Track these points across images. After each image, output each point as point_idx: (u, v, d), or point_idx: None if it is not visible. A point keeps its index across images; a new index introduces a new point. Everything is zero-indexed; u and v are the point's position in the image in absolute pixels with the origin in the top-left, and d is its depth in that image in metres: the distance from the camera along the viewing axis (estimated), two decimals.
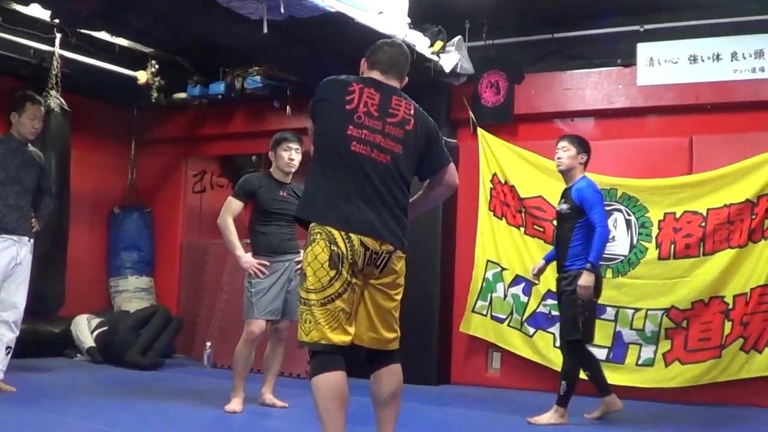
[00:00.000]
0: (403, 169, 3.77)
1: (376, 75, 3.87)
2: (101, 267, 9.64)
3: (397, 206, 3.73)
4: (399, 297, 3.83)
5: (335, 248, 3.56)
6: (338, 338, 3.59)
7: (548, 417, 5.83)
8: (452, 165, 4.04)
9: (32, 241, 6.31)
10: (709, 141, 7.12)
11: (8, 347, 6.16)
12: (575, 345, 5.84)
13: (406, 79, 4.00)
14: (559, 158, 6.07)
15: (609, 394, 6.04)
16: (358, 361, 3.83)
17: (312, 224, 3.67)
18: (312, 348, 3.61)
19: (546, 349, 7.21)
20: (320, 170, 3.73)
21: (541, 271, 6.36)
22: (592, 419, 6.04)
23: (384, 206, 3.67)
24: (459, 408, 6.42)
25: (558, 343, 7.16)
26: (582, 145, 6.08)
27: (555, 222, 6.35)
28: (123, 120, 9.87)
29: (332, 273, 3.56)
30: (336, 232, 3.57)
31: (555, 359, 7.08)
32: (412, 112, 3.83)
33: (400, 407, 3.87)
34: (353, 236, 3.57)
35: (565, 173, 6.07)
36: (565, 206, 5.96)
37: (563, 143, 6.10)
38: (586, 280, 5.65)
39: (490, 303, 7.62)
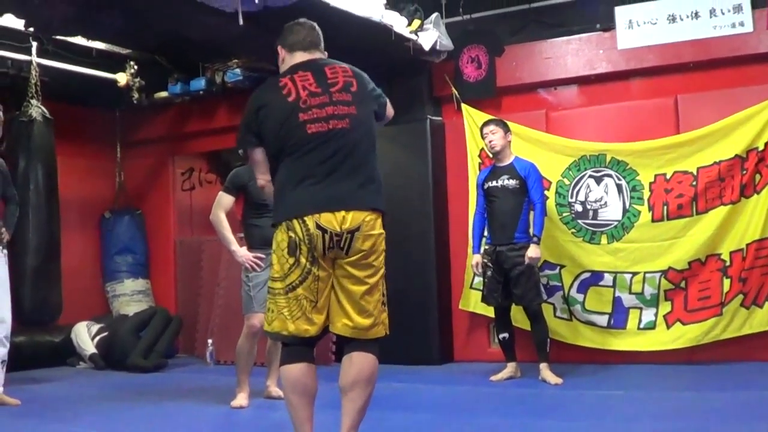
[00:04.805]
0: (366, 126, 3.73)
1: (299, 56, 3.82)
2: (97, 273, 9.61)
3: (365, 167, 3.66)
4: (372, 280, 3.66)
5: (292, 234, 3.54)
6: (301, 328, 3.57)
7: (551, 375, 6.29)
8: (388, 101, 3.99)
9: (6, 251, 6.15)
10: (694, 99, 7.10)
11: (3, 361, 6.05)
12: (541, 307, 6.61)
13: (326, 53, 3.94)
14: (491, 141, 6.60)
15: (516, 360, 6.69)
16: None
17: None
18: (273, 338, 3.60)
19: (547, 319, 7.21)
20: (279, 172, 3.68)
21: (483, 264, 6.67)
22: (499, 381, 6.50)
23: (345, 175, 3.60)
24: (465, 386, 6.41)
25: (558, 313, 7.20)
26: (506, 125, 6.69)
27: (492, 197, 6.61)
28: (106, 123, 9.81)
29: (291, 260, 3.55)
30: (294, 220, 3.54)
31: (556, 328, 7.08)
32: (350, 73, 3.78)
33: (365, 401, 3.63)
34: (307, 219, 3.52)
35: (499, 153, 6.60)
36: (513, 182, 6.49)
37: (490, 127, 6.64)
38: (536, 252, 6.35)
39: None
